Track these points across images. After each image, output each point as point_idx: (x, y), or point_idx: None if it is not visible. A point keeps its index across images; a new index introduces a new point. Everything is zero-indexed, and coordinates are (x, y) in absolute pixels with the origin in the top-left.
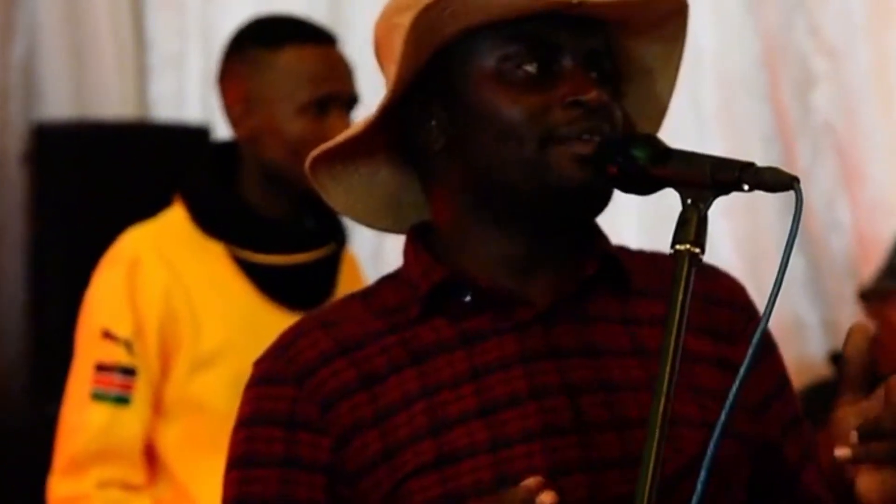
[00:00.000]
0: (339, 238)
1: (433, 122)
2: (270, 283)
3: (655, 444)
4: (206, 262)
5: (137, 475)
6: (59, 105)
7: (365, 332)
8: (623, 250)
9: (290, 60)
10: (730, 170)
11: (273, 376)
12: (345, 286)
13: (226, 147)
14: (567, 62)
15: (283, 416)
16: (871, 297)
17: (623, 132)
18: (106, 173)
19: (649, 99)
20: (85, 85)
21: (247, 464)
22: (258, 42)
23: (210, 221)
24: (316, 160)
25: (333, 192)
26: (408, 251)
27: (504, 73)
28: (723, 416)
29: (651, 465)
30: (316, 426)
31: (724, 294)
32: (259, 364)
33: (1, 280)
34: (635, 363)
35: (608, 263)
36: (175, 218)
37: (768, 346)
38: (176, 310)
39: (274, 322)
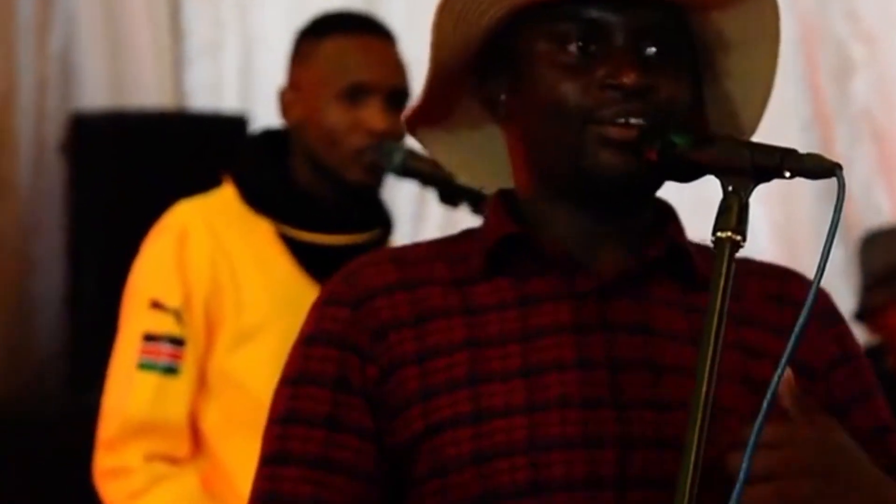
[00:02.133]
0: (385, 223)
1: (502, 97)
2: (315, 262)
3: (697, 432)
4: (252, 238)
5: (182, 448)
6: (96, 95)
7: (431, 275)
8: (695, 245)
9: (331, 48)
10: (771, 156)
11: (334, 297)
12: None
13: (276, 134)
14: (616, 41)
15: (336, 337)
16: (866, 314)
17: (667, 114)
18: (143, 163)
19: (752, 71)
20: (122, 75)
21: (299, 381)
22: (309, 32)
23: (258, 198)
24: (411, 124)
25: (443, 153)
26: (489, 208)
27: (553, 52)
28: (767, 397)
29: (693, 454)
30: (364, 353)
31: (800, 296)
32: (326, 286)
33: (39, 270)
34: (689, 350)
35: (675, 251)
36: (224, 195)
37: (832, 317)
38: (221, 282)
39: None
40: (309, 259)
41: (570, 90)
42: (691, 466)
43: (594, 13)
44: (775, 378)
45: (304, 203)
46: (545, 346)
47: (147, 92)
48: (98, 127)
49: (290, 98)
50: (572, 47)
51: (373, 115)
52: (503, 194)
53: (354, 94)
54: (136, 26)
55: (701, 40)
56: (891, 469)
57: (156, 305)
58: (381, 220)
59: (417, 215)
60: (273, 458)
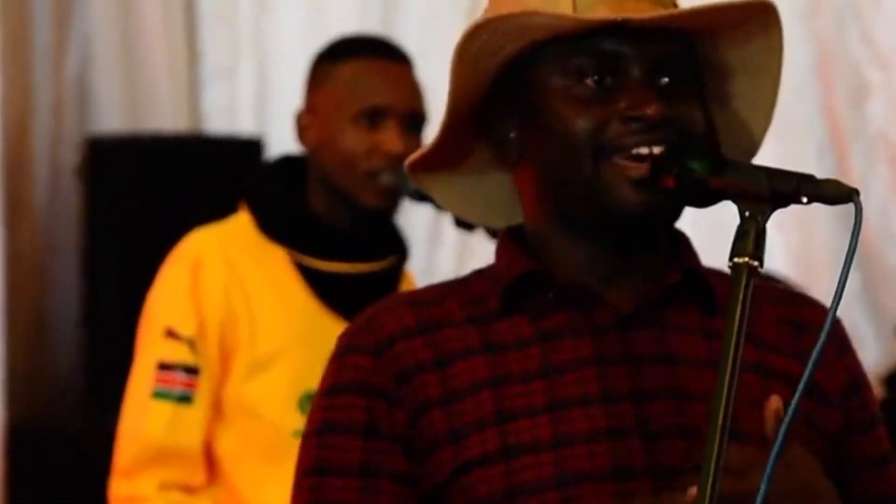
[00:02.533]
0: (400, 251)
1: (512, 135)
2: (330, 291)
3: (714, 459)
4: (267, 267)
5: (197, 477)
6: (112, 118)
7: (447, 316)
8: (712, 270)
9: (347, 72)
10: (788, 182)
11: (354, 346)
12: None
13: (292, 160)
14: (633, 73)
15: (361, 385)
16: None
17: (688, 141)
18: (159, 186)
19: (755, 97)
20: (138, 98)
21: (326, 431)
22: (325, 56)
23: (273, 226)
24: (415, 170)
25: (445, 195)
26: (499, 247)
27: (569, 86)
28: (786, 420)
29: (710, 478)
30: (391, 397)
31: (816, 321)
32: (343, 336)
33: (55, 292)
34: (712, 375)
35: (692, 277)
36: (239, 222)
37: (844, 345)
38: (235, 311)
39: (330, 329)
40: (324, 287)
41: (586, 123)
42: (708, 495)
43: (609, 46)
44: (793, 403)
45: (320, 231)
46: (569, 382)
47: (163, 115)
48: (114, 150)
49: (306, 121)
50: (589, 81)
51: (390, 139)
52: (512, 231)
53: (371, 118)
54: (152, 50)
55: (707, 67)
56: (886, 499)
57: (170, 334)
58: (397, 248)
59: (433, 239)
60: None
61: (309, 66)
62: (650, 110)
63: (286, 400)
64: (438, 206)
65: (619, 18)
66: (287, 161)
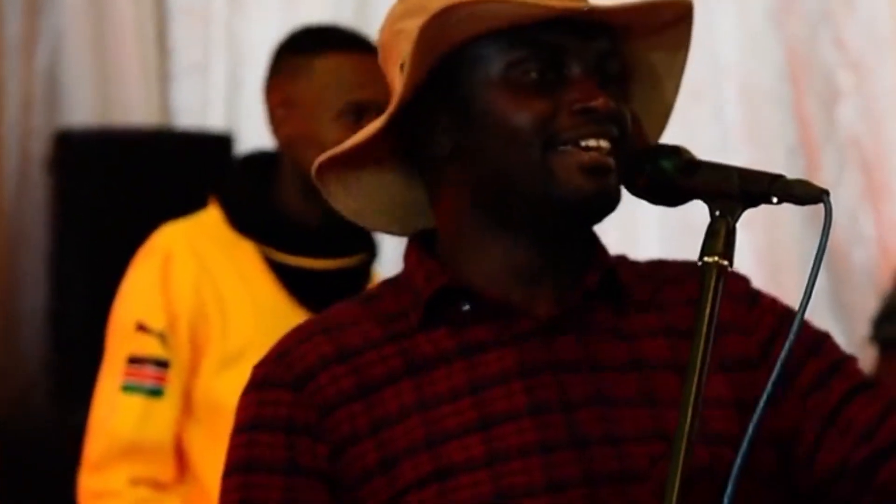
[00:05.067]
0: (369, 249)
1: (440, 128)
2: (299, 286)
3: (681, 461)
4: (237, 261)
5: (167, 472)
6: (82, 112)
7: (365, 339)
8: (623, 261)
9: (328, 66)
10: (759, 182)
11: (271, 380)
12: None
13: (263, 155)
14: (575, 67)
15: (281, 422)
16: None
17: (631, 136)
18: (128, 180)
19: (654, 100)
20: (108, 92)
21: (248, 469)
22: (298, 49)
23: (243, 221)
24: (322, 167)
25: (342, 198)
26: (410, 256)
27: (511, 78)
28: (750, 430)
29: (676, 483)
30: (313, 432)
31: (674, 274)
32: (258, 368)
33: (23, 287)
34: (633, 377)
35: (608, 277)
36: (209, 217)
37: (755, 296)
38: (206, 305)
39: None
40: (293, 282)
41: (531, 114)
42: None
43: (553, 39)
44: (761, 401)
45: (290, 226)
46: (496, 397)
47: (133, 109)
48: (84, 144)
49: (281, 114)
50: (536, 72)
51: None
52: (421, 238)
53: (356, 113)
54: (123, 44)
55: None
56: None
57: (141, 328)
58: (367, 245)
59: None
60: None
61: (275, 55)
62: (598, 103)
63: None
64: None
65: (584, 8)
66: (257, 156)
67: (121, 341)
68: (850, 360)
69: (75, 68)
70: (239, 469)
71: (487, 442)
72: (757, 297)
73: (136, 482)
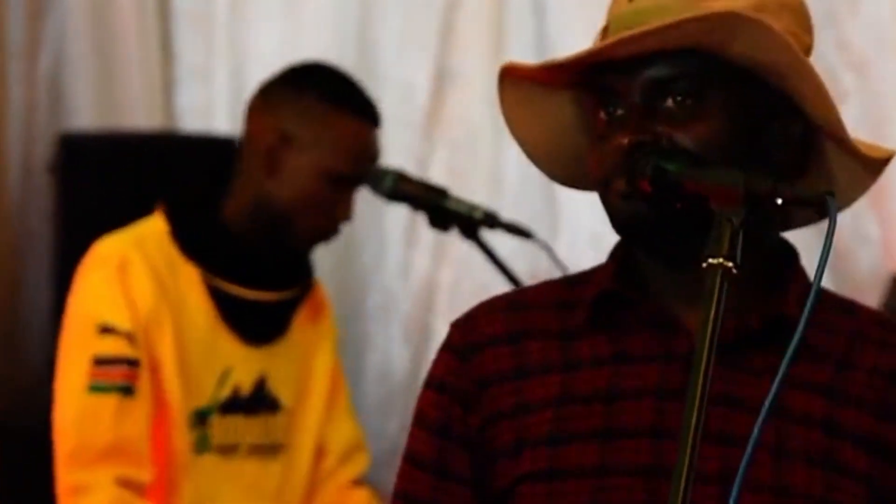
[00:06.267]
0: (306, 282)
1: None
2: (234, 314)
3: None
4: (178, 278)
5: (145, 471)
6: (85, 116)
7: (541, 326)
8: (826, 293)
9: (347, 130)
10: (764, 183)
11: (450, 344)
12: (301, 323)
13: (217, 170)
14: (620, 108)
15: (445, 385)
16: None
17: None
18: (132, 184)
19: (810, 90)
20: (112, 96)
21: (416, 423)
22: (321, 92)
23: (188, 243)
24: (506, 78)
25: (525, 122)
26: (611, 254)
27: (594, 122)
28: (758, 421)
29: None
30: (469, 403)
31: None
32: (452, 327)
33: (26, 290)
34: (770, 425)
35: (778, 320)
36: (155, 228)
37: None
38: (160, 312)
39: (225, 349)
40: (229, 309)
41: (593, 162)
42: None
43: (604, 80)
44: (766, 404)
45: (232, 255)
46: (626, 410)
47: (137, 113)
48: (87, 148)
49: (270, 141)
50: (602, 115)
51: (347, 208)
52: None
53: (338, 181)
54: (127, 48)
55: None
56: None
57: (106, 330)
58: (305, 277)
59: (408, 240)
60: (397, 495)
61: (288, 81)
62: (618, 142)
63: (177, 416)
64: (414, 206)
65: (581, 55)
66: (212, 172)
67: (83, 344)
68: None
69: (79, 72)
70: (414, 420)
71: (602, 454)
72: None
73: (117, 482)
